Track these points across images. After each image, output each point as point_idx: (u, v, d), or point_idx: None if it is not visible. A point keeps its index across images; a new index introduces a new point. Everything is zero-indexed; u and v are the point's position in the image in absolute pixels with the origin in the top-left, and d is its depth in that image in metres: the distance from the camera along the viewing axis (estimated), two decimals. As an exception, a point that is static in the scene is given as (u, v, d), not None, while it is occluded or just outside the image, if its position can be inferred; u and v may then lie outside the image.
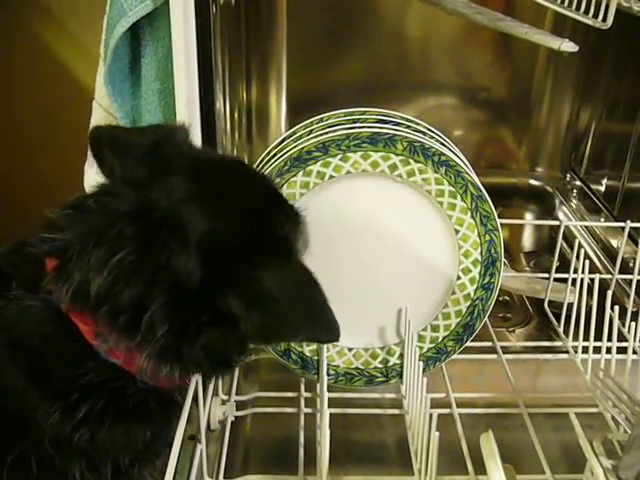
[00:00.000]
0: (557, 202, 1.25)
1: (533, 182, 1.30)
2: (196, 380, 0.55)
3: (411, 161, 0.65)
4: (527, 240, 1.23)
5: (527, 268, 1.12)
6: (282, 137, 0.71)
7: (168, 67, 0.70)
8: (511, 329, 0.95)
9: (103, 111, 0.80)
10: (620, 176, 1.11)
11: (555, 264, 0.83)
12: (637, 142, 1.09)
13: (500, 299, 0.99)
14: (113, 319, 0.45)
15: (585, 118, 1.22)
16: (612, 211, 1.12)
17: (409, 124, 0.69)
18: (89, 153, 0.81)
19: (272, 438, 0.73)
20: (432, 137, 0.69)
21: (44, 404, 0.45)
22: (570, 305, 0.79)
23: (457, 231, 0.68)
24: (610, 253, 1.06)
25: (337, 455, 0.56)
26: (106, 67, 0.71)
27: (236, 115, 1.13)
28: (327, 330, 0.50)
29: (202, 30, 0.68)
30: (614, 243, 1.07)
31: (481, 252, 0.69)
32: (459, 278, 0.70)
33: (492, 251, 0.68)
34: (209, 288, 0.46)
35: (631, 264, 0.85)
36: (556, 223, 0.84)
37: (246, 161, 0.95)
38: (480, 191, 0.66)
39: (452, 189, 0.66)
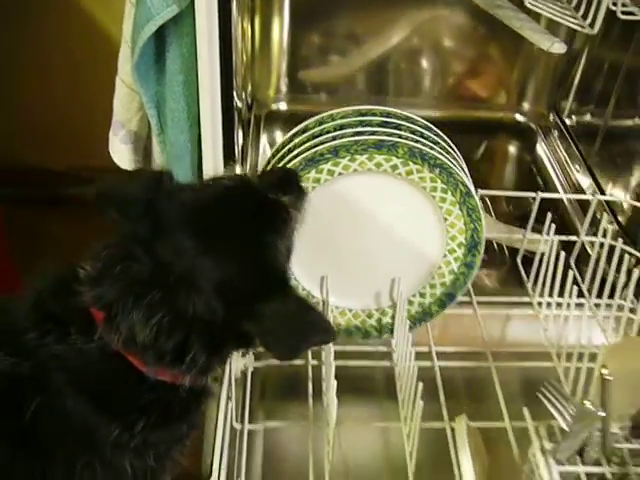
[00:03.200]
0: (539, 139, 1.34)
1: (518, 117, 1.38)
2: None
3: (410, 163, 0.74)
4: (508, 177, 1.34)
5: (509, 208, 1.21)
6: (294, 131, 0.79)
7: (191, 62, 0.76)
8: (487, 272, 1.07)
9: (126, 87, 0.86)
10: (603, 113, 1.19)
11: (530, 227, 0.94)
12: (624, 77, 1.16)
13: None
14: (160, 359, 0.57)
15: (574, 53, 1.27)
16: (590, 151, 1.22)
17: (410, 124, 0.77)
18: (113, 120, 0.89)
19: (285, 388, 0.88)
20: (430, 135, 0.78)
21: (106, 425, 0.58)
22: (540, 262, 0.91)
23: (446, 219, 0.79)
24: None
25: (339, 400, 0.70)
26: (133, 61, 0.76)
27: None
28: (323, 335, 0.63)
29: (224, 30, 0.74)
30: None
31: (465, 237, 0.80)
32: (445, 256, 0.81)
33: (475, 237, 0.80)
34: (230, 319, 0.58)
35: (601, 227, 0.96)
36: (532, 194, 0.94)
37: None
38: (468, 189, 0.76)
39: (444, 186, 0.76)
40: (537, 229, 0.96)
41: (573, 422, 0.58)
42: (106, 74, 0.95)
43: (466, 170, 0.81)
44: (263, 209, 0.65)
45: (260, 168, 1.13)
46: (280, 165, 0.76)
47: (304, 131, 0.78)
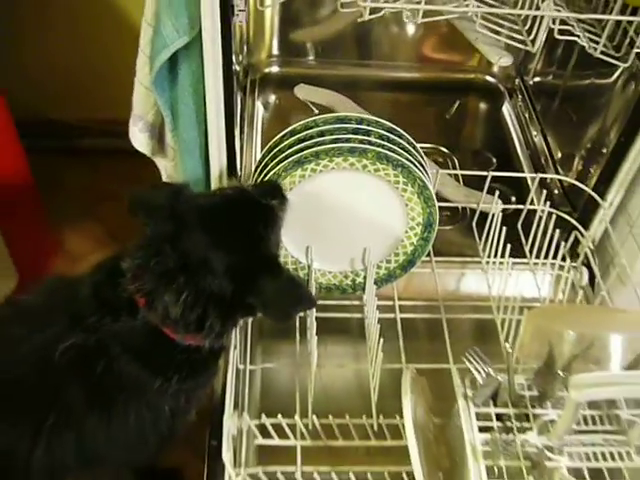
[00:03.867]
0: (505, 100, 1.50)
1: (489, 79, 1.53)
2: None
3: (377, 163, 0.92)
4: (477, 133, 1.50)
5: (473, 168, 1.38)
6: (283, 133, 0.96)
7: (199, 77, 0.91)
8: (448, 227, 1.26)
9: (143, 88, 1.02)
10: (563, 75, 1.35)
11: (483, 197, 1.13)
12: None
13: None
14: (186, 328, 0.78)
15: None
16: (550, 109, 1.38)
17: (379, 129, 0.94)
18: (132, 113, 1.07)
19: (277, 334, 1.09)
20: (394, 138, 0.95)
21: (153, 379, 0.79)
22: (490, 226, 1.09)
23: (407, 205, 0.98)
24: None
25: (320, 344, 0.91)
26: (152, 76, 0.92)
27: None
28: (308, 303, 0.87)
29: (225, 55, 0.90)
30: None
31: (423, 218, 0.99)
32: (407, 232, 1.01)
33: (430, 218, 0.99)
34: (237, 295, 0.78)
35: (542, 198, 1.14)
36: (485, 173, 1.11)
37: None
38: (424, 182, 0.94)
39: (405, 180, 0.94)
40: (494, 190, 1.14)
41: (483, 385, 0.79)
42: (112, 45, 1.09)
43: (424, 164, 0.98)
44: (258, 211, 0.84)
45: (259, 139, 1.32)
46: (272, 164, 0.94)
47: (292, 134, 0.95)
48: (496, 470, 0.76)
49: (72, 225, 1.57)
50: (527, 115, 1.44)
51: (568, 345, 0.82)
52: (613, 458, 0.78)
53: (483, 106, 1.52)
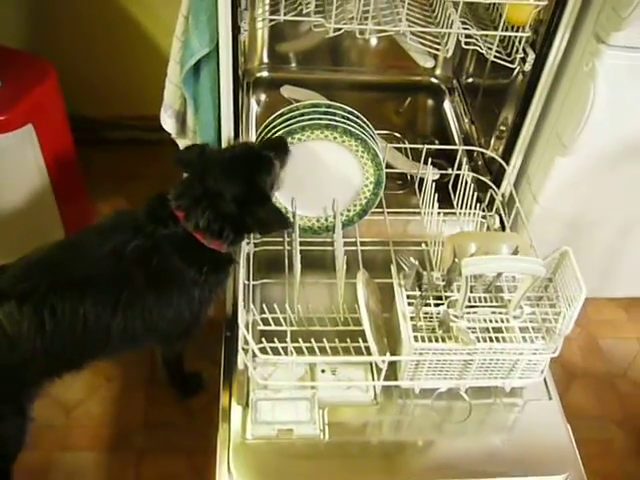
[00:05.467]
0: (445, 97, 1.91)
1: (433, 80, 1.94)
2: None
3: (344, 136, 1.33)
4: (425, 123, 1.92)
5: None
6: (276, 114, 1.36)
7: (215, 77, 1.31)
8: (400, 192, 1.67)
9: (172, 85, 1.42)
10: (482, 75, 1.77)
11: (428, 167, 1.53)
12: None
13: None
14: (211, 235, 1.18)
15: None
16: (475, 103, 1.79)
17: (342, 112, 1.34)
18: (163, 103, 1.47)
19: (270, 260, 1.48)
20: (353, 118, 1.35)
21: (189, 271, 1.19)
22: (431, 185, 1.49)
23: (363, 167, 1.38)
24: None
25: (303, 270, 1.30)
26: (181, 77, 1.32)
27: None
28: (285, 224, 1.27)
29: (234, 61, 1.30)
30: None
31: (374, 178, 1.39)
32: (363, 188, 1.41)
33: (379, 178, 1.39)
34: (241, 216, 1.18)
35: (464, 165, 1.55)
36: (421, 146, 1.52)
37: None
38: (376, 152, 1.35)
39: (363, 149, 1.35)
40: (437, 164, 1.55)
41: (409, 269, 1.20)
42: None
43: (376, 138, 1.38)
44: (258, 160, 1.25)
45: (254, 125, 1.71)
46: (268, 135, 1.34)
47: (281, 115, 1.35)
48: (418, 327, 1.17)
49: (103, 198, 1.95)
50: (462, 108, 1.86)
51: (470, 252, 1.23)
52: (497, 322, 1.19)
53: (429, 102, 1.93)
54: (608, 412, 1.58)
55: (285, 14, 1.26)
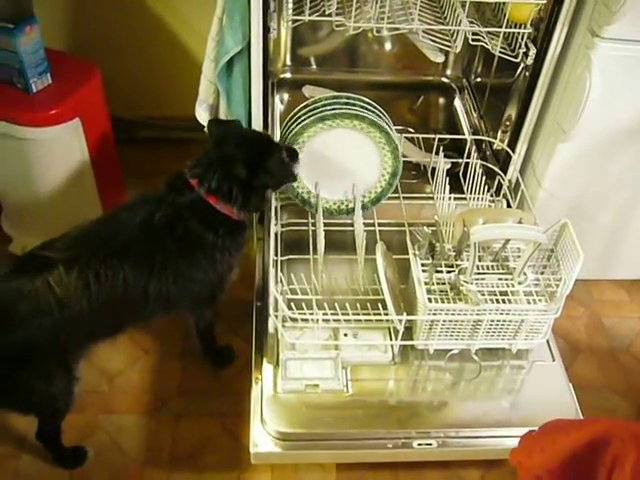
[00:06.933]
0: (456, 95, 2.05)
1: (444, 80, 2.08)
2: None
3: (370, 128, 1.47)
4: (438, 119, 2.05)
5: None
6: (303, 104, 1.50)
7: (247, 73, 1.46)
8: (414, 181, 1.80)
9: (207, 81, 1.56)
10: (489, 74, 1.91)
11: (440, 156, 1.67)
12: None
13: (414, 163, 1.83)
14: (222, 199, 1.30)
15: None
16: (482, 106, 1.93)
17: (362, 102, 1.48)
18: (198, 98, 1.61)
19: (295, 239, 1.61)
20: (372, 108, 1.49)
21: (208, 234, 1.31)
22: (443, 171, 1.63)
23: (383, 157, 1.52)
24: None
25: (326, 248, 1.44)
26: (216, 73, 1.47)
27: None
28: (292, 177, 1.42)
29: (264, 59, 1.44)
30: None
31: (392, 168, 1.53)
32: (379, 177, 1.55)
33: (396, 170, 1.53)
34: (249, 179, 1.30)
35: (472, 154, 1.69)
36: (433, 136, 1.65)
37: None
38: (396, 144, 1.49)
39: (384, 141, 1.49)
40: (448, 156, 1.69)
41: (422, 239, 1.33)
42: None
43: (393, 130, 1.52)
44: (268, 141, 1.40)
45: (278, 121, 1.85)
46: (299, 121, 1.48)
47: (306, 106, 1.49)
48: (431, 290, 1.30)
49: (135, 190, 2.08)
50: (471, 104, 1.99)
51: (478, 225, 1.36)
52: (503, 287, 1.32)
53: (440, 100, 2.07)
54: (611, 383, 1.68)
55: (309, 15, 1.41)
